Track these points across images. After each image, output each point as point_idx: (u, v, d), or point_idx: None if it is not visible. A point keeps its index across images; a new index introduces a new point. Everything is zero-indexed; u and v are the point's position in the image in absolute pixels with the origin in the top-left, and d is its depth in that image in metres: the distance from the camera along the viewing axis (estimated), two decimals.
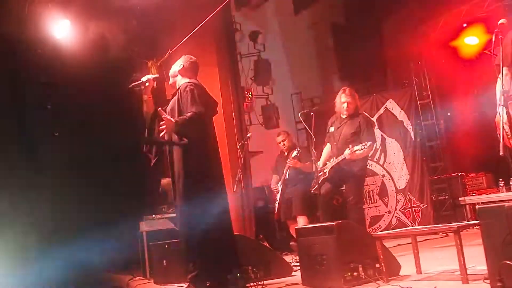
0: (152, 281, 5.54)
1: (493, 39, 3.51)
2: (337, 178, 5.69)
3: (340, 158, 5.50)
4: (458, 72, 8.66)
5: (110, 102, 7.00)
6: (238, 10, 8.77)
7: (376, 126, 8.73)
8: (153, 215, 6.12)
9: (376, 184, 8.68)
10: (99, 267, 6.96)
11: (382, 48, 9.54)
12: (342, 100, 5.72)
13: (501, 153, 3.29)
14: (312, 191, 5.96)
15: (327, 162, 5.76)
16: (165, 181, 5.73)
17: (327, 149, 5.95)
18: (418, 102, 8.69)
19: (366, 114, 6.40)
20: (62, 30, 6.53)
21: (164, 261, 5.27)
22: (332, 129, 5.87)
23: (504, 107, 3.37)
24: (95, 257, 6.73)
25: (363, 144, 5.30)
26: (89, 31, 6.52)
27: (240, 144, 6.98)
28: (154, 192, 6.68)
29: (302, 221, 6.22)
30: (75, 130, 7.26)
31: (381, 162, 8.69)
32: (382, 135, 8.71)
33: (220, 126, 8.07)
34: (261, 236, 7.69)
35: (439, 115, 8.88)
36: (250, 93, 8.66)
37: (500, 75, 3.53)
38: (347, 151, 5.36)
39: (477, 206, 2.88)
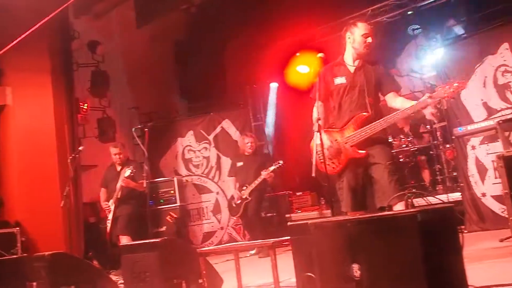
0: None
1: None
2: None
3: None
4: (291, 98, 9.30)
5: None
6: (78, 17, 8.36)
7: (213, 145, 9.02)
8: None
9: (210, 201, 8.90)
10: None
11: (221, 69, 9.89)
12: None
13: (313, 175, 3.66)
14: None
15: None
16: None
17: None
18: (252, 124, 9.21)
19: None
20: None
21: None
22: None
23: (318, 133, 3.77)
24: None
25: None
26: None
27: (70, 157, 6.64)
28: None
29: (125, 241, 6.14)
30: None
31: (215, 179, 8.96)
32: (217, 154, 9.00)
33: (51, 137, 7.58)
34: (90, 253, 7.36)
35: (271, 137, 9.49)
36: (86, 105, 8.30)
37: (316, 105, 3.93)
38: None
39: (288, 223, 3.14)
